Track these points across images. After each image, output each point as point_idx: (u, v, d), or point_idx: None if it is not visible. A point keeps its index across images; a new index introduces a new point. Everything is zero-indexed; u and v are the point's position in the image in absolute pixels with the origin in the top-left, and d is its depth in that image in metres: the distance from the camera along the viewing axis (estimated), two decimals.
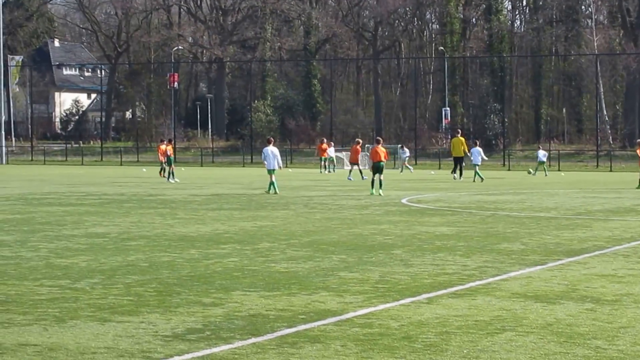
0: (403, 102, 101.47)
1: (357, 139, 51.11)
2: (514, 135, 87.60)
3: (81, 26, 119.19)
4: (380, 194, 31.09)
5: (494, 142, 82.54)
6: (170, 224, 20.26)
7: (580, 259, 14.59)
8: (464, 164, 45.27)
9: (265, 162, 33.27)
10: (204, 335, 8.72)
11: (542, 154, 52.90)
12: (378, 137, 37.65)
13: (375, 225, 20.13)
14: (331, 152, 59.12)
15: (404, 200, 28.79)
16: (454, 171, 45.10)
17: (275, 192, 32.13)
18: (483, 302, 10.59)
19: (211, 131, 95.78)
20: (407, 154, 61.26)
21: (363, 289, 11.43)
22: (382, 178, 31.88)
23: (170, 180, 41.52)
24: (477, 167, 44.05)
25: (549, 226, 20.16)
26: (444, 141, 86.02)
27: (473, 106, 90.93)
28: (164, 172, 44.15)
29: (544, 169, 52.51)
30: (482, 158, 45.35)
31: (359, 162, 49.01)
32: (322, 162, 55.97)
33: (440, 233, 18.39)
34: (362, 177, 44.56)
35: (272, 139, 35.10)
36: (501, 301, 10.64)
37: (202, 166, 70.66)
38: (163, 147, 44.67)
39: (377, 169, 31.99)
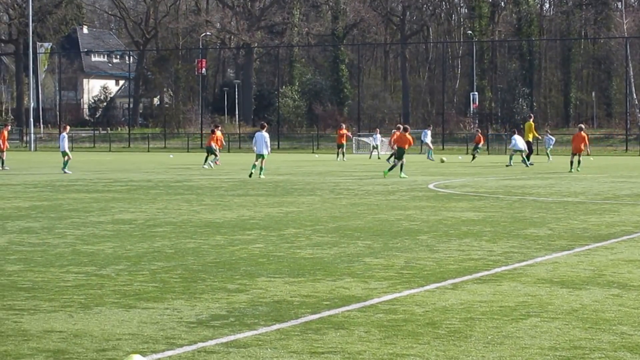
0: (431, 86, 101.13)
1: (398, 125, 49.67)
2: (542, 120, 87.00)
3: (109, 13, 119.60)
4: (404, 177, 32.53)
5: (522, 126, 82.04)
6: (196, 210, 20.29)
7: (607, 244, 14.48)
8: (532, 148, 45.07)
9: (255, 147, 33.44)
10: (228, 321, 8.71)
11: (551, 141, 52.65)
12: (407, 125, 37.88)
13: (401, 210, 20.07)
14: (377, 139, 57.97)
15: (430, 186, 28.70)
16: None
17: (255, 176, 32.45)
18: (508, 287, 10.53)
19: (238, 117, 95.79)
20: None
21: (388, 275, 11.40)
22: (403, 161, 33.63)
23: (205, 166, 41.75)
24: (522, 153, 43.59)
25: (577, 211, 20.03)
26: (472, 126, 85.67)
27: (501, 90, 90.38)
28: (216, 159, 43.88)
29: (547, 154, 52.45)
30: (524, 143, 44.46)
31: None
32: (339, 149, 53.55)
33: (467, 218, 18.31)
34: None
35: (266, 125, 35.15)
36: (527, 287, 10.57)
37: (229, 152, 70.71)
38: (219, 133, 44.73)
39: (402, 154, 33.78)
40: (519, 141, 43.98)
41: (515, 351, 7.61)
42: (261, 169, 33.21)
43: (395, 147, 35.63)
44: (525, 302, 9.67)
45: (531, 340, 7.95)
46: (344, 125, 56.98)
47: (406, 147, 34.20)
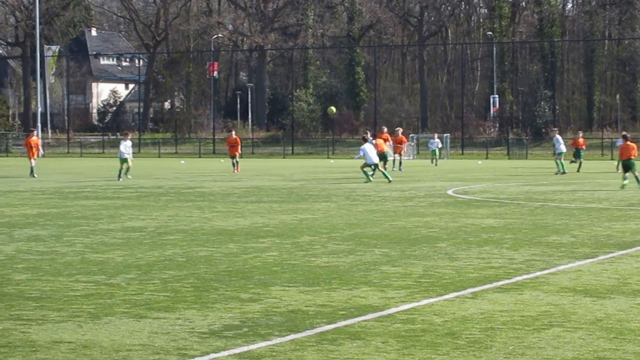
0: (450, 89, 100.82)
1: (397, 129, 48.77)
2: (565, 123, 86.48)
3: (119, 14, 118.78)
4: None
5: (544, 130, 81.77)
6: (208, 217, 20.15)
7: (632, 251, 14.26)
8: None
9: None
10: (241, 331, 8.57)
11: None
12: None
13: (419, 217, 19.88)
14: (435, 143, 54.30)
15: (449, 192, 28.51)
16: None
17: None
18: (530, 296, 10.35)
19: (251, 121, 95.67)
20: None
21: (406, 284, 11.22)
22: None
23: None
24: (561, 157, 40.69)
25: (600, 218, 19.78)
26: (492, 130, 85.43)
27: (522, 93, 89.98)
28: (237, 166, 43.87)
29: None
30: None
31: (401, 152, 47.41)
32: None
33: (487, 225, 18.10)
34: (400, 169, 43.93)
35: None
36: (549, 296, 10.39)
37: (241, 157, 70.57)
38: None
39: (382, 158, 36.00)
40: (563, 144, 41.23)
41: None
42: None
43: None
44: (547, 311, 9.51)
45: (554, 351, 7.79)
46: (385, 129, 49.06)
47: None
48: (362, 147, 34.32)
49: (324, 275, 11.87)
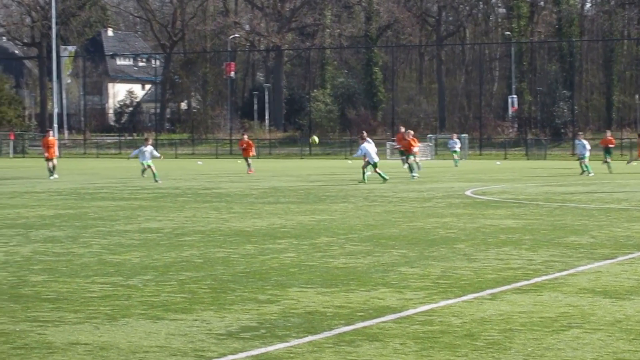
0: (468, 89, 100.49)
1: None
2: (583, 124, 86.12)
3: (135, 15, 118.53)
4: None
5: (562, 130, 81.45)
6: (225, 218, 20.12)
7: None
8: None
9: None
10: (258, 333, 8.53)
11: (585, 147, 40.74)
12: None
13: (437, 218, 19.80)
14: (456, 143, 53.75)
15: (468, 192, 28.40)
16: None
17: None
18: (549, 298, 10.27)
19: (268, 122, 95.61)
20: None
21: (424, 285, 11.16)
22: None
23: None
24: (585, 160, 40.01)
25: (620, 218, 19.65)
26: (510, 130, 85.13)
27: (541, 93, 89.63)
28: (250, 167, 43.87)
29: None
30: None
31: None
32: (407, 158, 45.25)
33: (506, 226, 18.01)
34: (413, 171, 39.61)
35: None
36: (568, 297, 10.31)
37: (258, 158, 70.56)
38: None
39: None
40: (587, 147, 40.38)
41: None
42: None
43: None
44: (566, 312, 9.43)
45: (573, 353, 7.74)
46: (403, 129, 46.06)
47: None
48: (362, 146, 34.33)
49: (341, 277, 11.81)
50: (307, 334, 8.48)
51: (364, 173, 33.98)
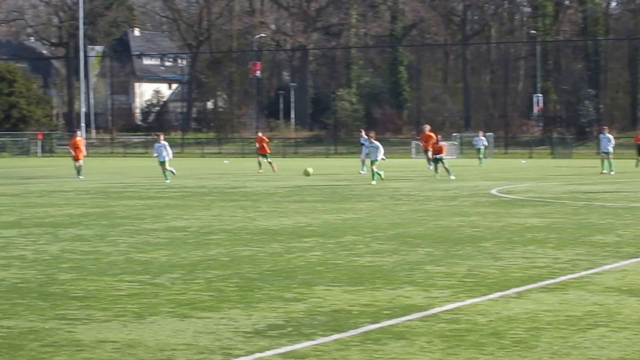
0: (493, 88, 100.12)
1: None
2: (609, 122, 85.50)
3: (161, 15, 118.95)
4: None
5: (587, 129, 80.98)
6: (252, 217, 20.16)
7: None
8: None
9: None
10: (285, 331, 8.56)
11: (610, 141, 39.75)
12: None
13: (463, 217, 19.76)
14: (480, 141, 52.36)
15: (493, 191, 28.31)
16: None
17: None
18: (575, 296, 10.24)
19: (294, 121, 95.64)
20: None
21: (450, 283, 11.15)
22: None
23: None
24: (610, 156, 39.33)
25: None
26: (536, 129, 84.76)
27: (566, 92, 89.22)
28: (261, 165, 43.88)
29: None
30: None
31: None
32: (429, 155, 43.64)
33: (531, 225, 17.95)
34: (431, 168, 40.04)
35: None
36: (594, 295, 10.28)
37: (284, 157, 70.68)
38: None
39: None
40: (612, 141, 39.53)
41: None
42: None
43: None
44: (592, 311, 9.41)
45: (599, 351, 7.72)
46: (427, 128, 45.05)
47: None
48: (378, 144, 34.25)
49: (367, 275, 11.82)
50: (333, 332, 8.48)
51: (372, 172, 33.81)
